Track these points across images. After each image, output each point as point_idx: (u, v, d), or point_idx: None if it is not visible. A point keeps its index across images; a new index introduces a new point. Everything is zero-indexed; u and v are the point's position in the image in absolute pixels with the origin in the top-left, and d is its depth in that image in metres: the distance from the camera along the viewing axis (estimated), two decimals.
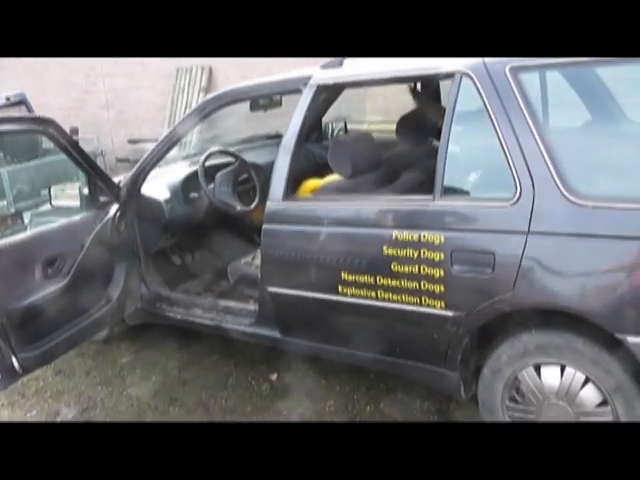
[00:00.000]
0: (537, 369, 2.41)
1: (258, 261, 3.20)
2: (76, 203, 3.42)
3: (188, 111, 3.53)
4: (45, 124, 3.06)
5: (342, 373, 3.41)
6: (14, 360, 2.91)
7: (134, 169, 3.55)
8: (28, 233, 3.27)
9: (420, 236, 2.48)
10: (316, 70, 2.97)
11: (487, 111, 2.38)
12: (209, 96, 3.39)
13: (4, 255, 2.90)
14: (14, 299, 2.94)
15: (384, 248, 2.58)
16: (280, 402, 3.31)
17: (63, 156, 3.27)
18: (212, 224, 3.97)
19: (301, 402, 3.28)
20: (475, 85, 2.42)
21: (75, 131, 7.38)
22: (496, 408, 2.56)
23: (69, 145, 3.17)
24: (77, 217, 3.37)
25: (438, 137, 3.06)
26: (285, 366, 3.58)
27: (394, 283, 2.59)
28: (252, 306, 3.28)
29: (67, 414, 3.46)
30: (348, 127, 4.91)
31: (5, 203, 6.39)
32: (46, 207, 4.08)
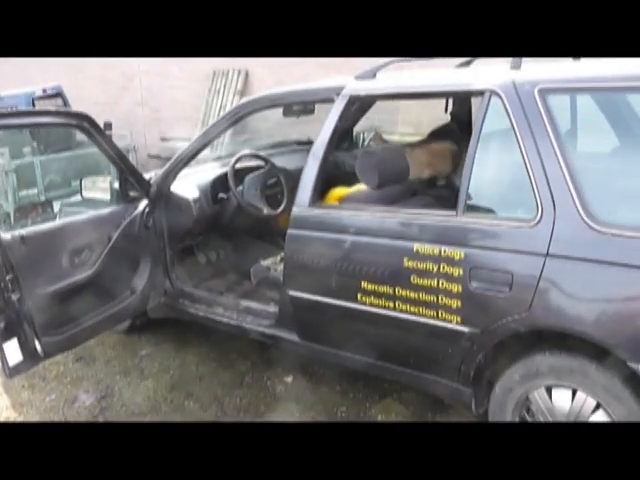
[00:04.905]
0: (548, 391, 2.42)
1: (281, 265, 3.25)
2: (106, 196, 3.51)
3: (223, 113, 3.58)
4: (80, 119, 3.15)
5: (357, 380, 3.44)
6: (37, 344, 3.00)
7: (165, 167, 3.62)
8: (57, 222, 3.35)
9: (441, 250, 2.51)
10: (349, 80, 3.00)
11: (514, 131, 2.39)
12: (244, 100, 3.45)
13: (33, 241, 2.99)
14: (41, 285, 3.02)
15: (405, 260, 2.61)
16: (293, 404, 3.35)
17: (95, 149, 3.35)
18: (238, 225, 4.03)
19: (314, 406, 3.33)
20: (503, 104, 2.44)
21: (109, 126, 7.42)
22: None
23: (102, 140, 3.26)
24: (106, 210, 3.46)
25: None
26: (301, 369, 3.64)
27: (412, 295, 2.62)
28: (272, 308, 3.33)
29: (85, 400, 3.53)
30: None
31: (36, 191, 6.52)
32: (76, 198, 4.18)
